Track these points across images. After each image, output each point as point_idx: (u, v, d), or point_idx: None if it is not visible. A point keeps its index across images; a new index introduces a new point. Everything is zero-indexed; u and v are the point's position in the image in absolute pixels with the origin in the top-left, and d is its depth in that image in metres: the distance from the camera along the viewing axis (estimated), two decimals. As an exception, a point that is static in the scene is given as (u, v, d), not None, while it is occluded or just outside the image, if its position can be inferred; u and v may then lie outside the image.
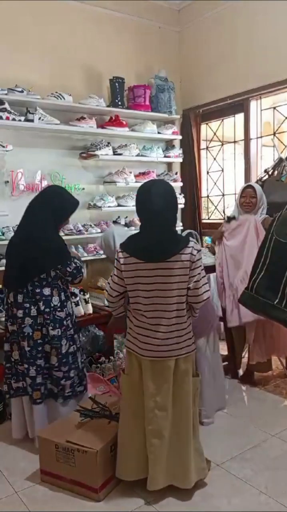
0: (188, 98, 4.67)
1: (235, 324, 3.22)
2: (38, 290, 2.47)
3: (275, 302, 2.73)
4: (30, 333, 2.48)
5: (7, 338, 2.59)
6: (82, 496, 2.18)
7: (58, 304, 2.54)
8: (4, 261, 2.68)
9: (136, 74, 4.37)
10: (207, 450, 2.29)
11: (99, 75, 4.13)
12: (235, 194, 4.27)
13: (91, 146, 3.93)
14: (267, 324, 3.15)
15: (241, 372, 3.52)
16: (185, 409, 2.14)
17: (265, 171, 3.84)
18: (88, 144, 3.97)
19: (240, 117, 4.35)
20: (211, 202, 4.89)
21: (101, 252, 3.89)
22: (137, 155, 4.20)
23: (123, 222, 4.14)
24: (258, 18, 3.93)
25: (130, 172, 4.14)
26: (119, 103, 4.06)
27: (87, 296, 3.40)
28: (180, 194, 4.53)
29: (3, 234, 3.41)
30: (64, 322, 2.55)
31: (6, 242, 2.77)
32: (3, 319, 2.82)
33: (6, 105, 3.37)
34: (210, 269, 3.25)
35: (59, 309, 2.53)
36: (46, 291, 2.49)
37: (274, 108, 4.13)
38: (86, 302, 3.36)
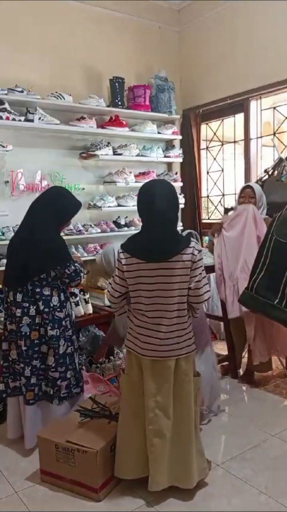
0: (188, 98, 4.68)
1: (236, 314, 3.19)
2: (38, 290, 2.47)
3: (275, 302, 2.73)
4: (28, 333, 2.47)
5: (6, 337, 2.59)
6: (82, 496, 2.18)
7: (58, 304, 2.53)
8: (4, 261, 2.68)
9: (136, 74, 4.37)
10: (207, 450, 2.29)
11: (99, 75, 4.13)
12: (235, 194, 4.28)
13: (91, 146, 3.93)
14: (266, 324, 3.15)
15: (241, 372, 3.52)
16: (186, 409, 2.13)
17: (265, 171, 3.85)
18: (88, 144, 3.98)
19: (240, 117, 4.35)
20: (211, 202, 4.89)
21: (101, 251, 3.91)
22: (137, 155, 4.20)
23: (123, 222, 4.14)
24: (258, 18, 3.93)
25: (130, 172, 4.14)
26: (119, 103, 4.06)
27: (87, 296, 3.40)
28: (180, 194, 4.54)
29: (3, 234, 3.41)
30: (63, 323, 2.55)
31: (6, 242, 2.77)
32: (2, 318, 2.81)
33: (6, 105, 3.37)
34: (210, 269, 3.24)
35: (58, 309, 2.53)
36: (46, 291, 2.49)
37: (274, 108, 4.14)
38: (86, 302, 3.36)
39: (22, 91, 3.45)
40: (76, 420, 2.39)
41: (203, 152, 4.84)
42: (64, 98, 3.64)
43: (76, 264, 2.58)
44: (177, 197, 2.17)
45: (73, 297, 3.22)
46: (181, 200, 4.52)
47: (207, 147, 4.84)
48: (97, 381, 3.08)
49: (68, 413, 2.57)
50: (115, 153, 4.05)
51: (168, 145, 4.63)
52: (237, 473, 2.33)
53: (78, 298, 3.27)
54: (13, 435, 2.64)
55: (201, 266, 2.10)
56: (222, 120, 4.59)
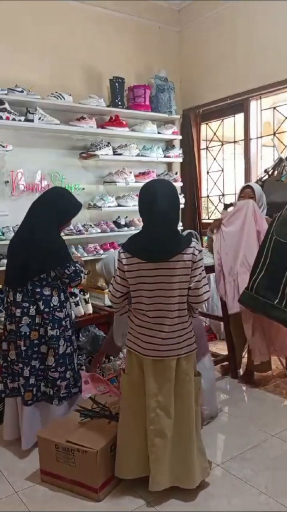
0: (188, 98, 4.68)
1: (237, 310, 3.17)
2: (38, 290, 2.47)
3: (275, 302, 2.73)
4: (27, 333, 2.47)
5: (5, 337, 2.59)
6: (82, 496, 2.18)
7: (58, 304, 2.53)
8: (4, 261, 2.68)
9: (136, 74, 4.37)
10: (207, 450, 2.29)
11: (99, 75, 4.13)
12: (235, 194, 4.28)
13: (91, 146, 3.93)
14: (265, 323, 3.15)
15: (241, 372, 3.52)
16: (187, 408, 2.14)
17: (265, 171, 3.85)
18: (88, 144, 3.98)
19: (240, 117, 4.35)
20: (211, 202, 4.89)
21: (101, 252, 3.91)
22: (137, 155, 4.20)
23: (123, 222, 4.14)
24: (258, 18, 3.93)
25: (130, 172, 4.14)
26: (119, 103, 4.06)
27: (87, 296, 3.40)
28: (180, 194, 4.54)
29: (3, 234, 3.41)
30: (63, 323, 2.55)
31: (6, 242, 2.77)
32: (2, 318, 2.81)
33: (6, 105, 3.37)
34: (210, 269, 3.24)
35: (58, 310, 2.53)
36: (46, 291, 2.49)
37: (274, 108, 4.14)
38: (86, 302, 3.36)
39: (22, 91, 3.45)
40: (76, 420, 2.39)
41: (203, 152, 4.84)
42: (64, 98, 3.64)
43: (76, 265, 2.58)
44: (178, 197, 2.17)
45: (73, 297, 3.22)
46: (181, 200, 4.52)
47: (207, 147, 4.84)
48: (97, 381, 3.08)
49: (67, 413, 2.57)
50: (115, 153, 4.05)
51: (168, 145, 4.63)
52: (237, 473, 2.33)
53: (78, 298, 3.27)
54: (10, 437, 2.62)
55: (202, 266, 2.10)
56: (222, 120, 4.59)
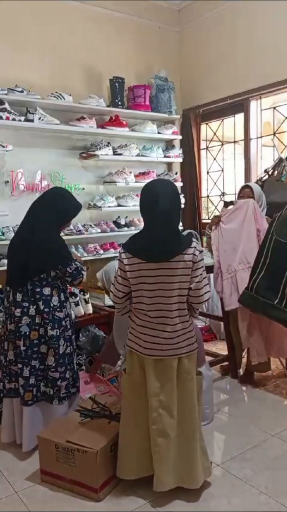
0: (188, 98, 4.68)
1: (234, 306, 3.17)
2: (38, 290, 2.47)
3: (275, 302, 2.73)
4: (27, 333, 2.47)
5: (6, 337, 2.58)
6: (82, 496, 2.18)
7: (58, 304, 2.53)
8: (4, 261, 2.68)
9: (136, 74, 4.37)
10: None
11: (99, 75, 4.13)
12: (235, 194, 4.28)
13: (91, 146, 3.93)
14: (263, 324, 3.15)
15: (241, 372, 3.52)
16: (190, 407, 2.14)
17: (265, 171, 3.85)
18: (88, 144, 3.98)
19: (240, 117, 4.35)
20: (211, 202, 4.89)
21: (101, 252, 3.91)
22: (137, 155, 4.20)
23: (123, 222, 4.14)
24: (258, 18, 3.93)
25: (130, 172, 4.14)
26: (119, 103, 4.06)
27: (87, 296, 3.40)
28: (180, 194, 4.53)
29: (3, 234, 3.41)
30: (63, 323, 2.55)
31: (6, 242, 2.77)
32: (2, 318, 2.81)
33: (6, 105, 3.37)
34: (210, 269, 3.24)
35: (58, 309, 2.53)
36: (46, 290, 2.49)
37: (274, 108, 4.14)
38: (86, 302, 3.36)
39: (22, 91, 3.45)
40: (76, 420, 2.39)
41: (203, 152, 4.84)
42: (64, 98, 3.64)
43: (77, 263, 2.58)
44: (179, 196, 2.18)
45: (73, 297, 3.22)
46: (182, 200, 4.52)
47: (207, 147, 4.84)
48: (98, 382, 3.08)
49: (67, 412, 2.57)
50: (115, 153, 4.05)
51: (168, 145, 4.63)
52: (237, 473, 2.33)
53: (78, 298, 3.27)
54: (6, 439, 2.60)
55: (202, 266, 2.10)
56: (222, 120, 4.59)
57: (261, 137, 4.27)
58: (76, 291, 3.29)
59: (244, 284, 3.00)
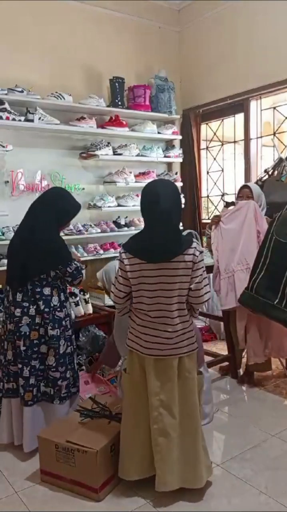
0: (188, 98, 4.68)
1: (230, 306, 3.18)
2: (38, 290, 2.47)
3: (275, 302, 2.73)
4: (27, 333, 2.47)
5: (5, 337, 2.58)
6: (82, 496, 2.18)
7: (58, 304, 2.53)
8: (4, 261, 2.68)
9: (136, 74, 4.37)
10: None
11: (99, 75, 4.13)
12: (235, 194, 4.27)
13: (91, 146, 3.93)
14: (263, 325, 3.15)
15: (241, 372, 3.52)
16: (191, 407, 2.14)
17: (265, 171, 3.84)
18: (88, 144, 3.98)
19: (240, 117, 4.35)
20: (211, 202, 4.89)
21: (101, 252, 3.91)
22: (137, 155, 4.20)
23: (123, 222, 4.14)
24: (258, 18, 3.93)
25: (130, 172, 4.14)
26: (119, 103, 4.06)
27: (87, 296, 3.40)
28: (180, 194, 4.54)
29: (3, 234, 3.41)
30: (63, 322, 2.55)
31: (6, 242, 2.77)
32: (2, 318, 2.81)
33: (6, 105, 3.38)
34: (210, 269, 3.24)
35: (58, 309, 2.53)
36: (46, 290, 2.49)
37: (274, 108, 4.14)
38: (86, 302, 3.36)
39: (22, 91, 3.45)
40: (76, 420, 2.39)
41: (203, 152, 4.84)
42: (64, 98, 3.65)
43: (76, 262, 2.58)
44: (180, 197, 2.18)
45: (73, 297, 3.22)
46: (182, 200, 4.51)
47: (207, 147, 4.84)
48: (98, 382, 3.09)
49: (68, 412, 2.57)
50: (115, 153, 4.05)
51: (168, 145, 4.63)
52: (237, 473, 2.33)
53: (78, 298, 3.27)
54: (4, 440, 2.58)
55: (202, 267, 2.11)
56: (222, 120, 4.59)
57: (261, 137, 4.27)
58: (76, 291, 3.29)
59: (241, 285, 3.01)
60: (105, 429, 2.30)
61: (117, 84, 4.04)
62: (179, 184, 4.57)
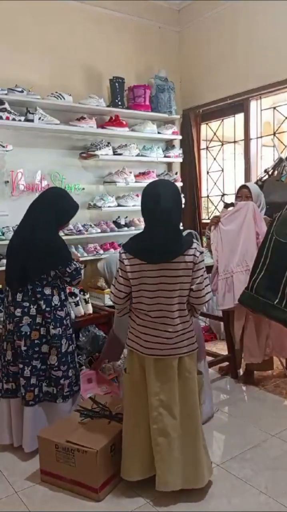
0: (188, 98, 4.68)
1: (228, 306, 3.19)
2: (39, 289, 2.47)
3: (275, 302, 2.73)
4: (28, 333, 2.46)
5: (5, 337, 2.57)
6: (82, 496, 2.18)
7: (59, 304, 2.53)
8: (4, 260, 2.67)
9: (136, 74, 4.37)
10: (207, 450, 2.30)
11: (99, 75, 4.13)
12: (235, 194, 4.28)
13: (91, 146, 3.93)
14: (262, 324, 3.16)
15: (241, 372, 3.52)
16: (191, 407, 2.14)
17: (265, 171, 3.85)
18: (88, 144, 3.98)
19: (240, 117, 4.35)
20: (211, 202, 4.89)
21: (101, 252, 3.91)
22: (137, 155, 4.20)
23: (123, 222, 4.14)
24: (258, 18, 3.93)
25: (130, 172, 4.14)
26: (119, 103, 4.06)
27: (87, 296, 3.39)
28: (181, 194, 4.54)
29: (3, 234, 3.41)
30: (64, 322, 2.55)
31: (6, 242, 2.77)
32: (2, 318, 2.81)
33: (6, 105, 3.38)
34: (210, 269, 3.24)
35: (59, 309, 2.53)
36: (47, 290, 2.49)
37: (274, 108, 4.14)
38: (86, 302, 3.36)
39: (22, 91, 3.45)
40: (76, 420, 2.39)
41: (203, 152, 4.85)
42: (64, 98, 3.65)
43: (75, 262, 2.58)
44: (180, 197, 2.18)
45: (73, 297, 3.22)
46: (182, 200, 4.51)
47: (207, 147, 4.84)
48: (101, 381, 3.07)
49: (71, 411, 2.57)
50: (115, 153, 4.05)
51: (168, 145, 4.63)
52: (237, 473, 2.33)
53: (78, 298, 3.27)
54: (7, 440, 2.57)
55: (203, 267, 2.11)
56: (222, 120, 4.59)
57: (261, 137, 4.27)
58: (76, 291, 3.29)
59: (241, 286, 3.01)
60: (105, 429, 2.30)
61: (117, 84, 4.04)
62: (179, 184, 4.58)
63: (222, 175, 4.71)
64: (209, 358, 3.45)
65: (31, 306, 2.47)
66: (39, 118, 3.54)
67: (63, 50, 3.89)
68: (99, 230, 3.95)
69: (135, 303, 2.15)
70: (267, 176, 3.80)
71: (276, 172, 3.75)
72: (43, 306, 2.47)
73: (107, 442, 2.21)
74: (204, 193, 4.89)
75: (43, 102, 3.58)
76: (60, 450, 2.22)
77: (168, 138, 4.53)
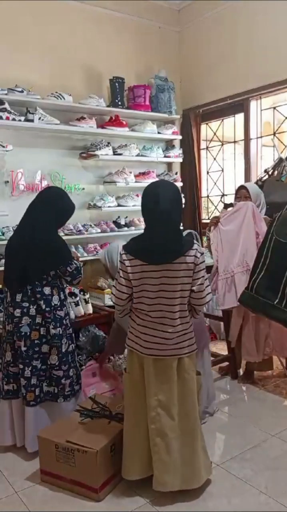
0: (188, 98, 4.68)
1: (227, 306, 3.21)
2: (38, 289, 2.47)
3: (275, 302, 2.73)
4: (28, 333, 2.46)
5: (5, 338, 2.57)
6: (82, 496, 2.18)
7: (58, 303, 2.53)
8: (3, 261, 2.67)
9: (136, 74, 4.37)
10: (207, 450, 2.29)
11: (99, 75, 4.13)
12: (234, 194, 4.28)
13: (91, 146, 3.93)
14: (261, 324, 3.16)
15: (241, 372, 3.52)
16: (190, 407, 2.14)
17: (265, 171, 3.84)
18: (88, 144, 3.98)
19: (240, 117, 4.35)
20: (211, 202, 4.89)
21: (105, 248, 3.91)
22: (137, 155, 4.20)
23: (123, 222, 4.14)
24: (258, 18, 3.93)
25: (130, 172, 4.14)
26: (119, 103, 4.06)
27: (87, 296, 3.39)
28: (181, 195, 4.53)
29: (3, 234, 3.41)
30: (64, 321, 2.56)
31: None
32: (1, 319, 2.80)
33: (6, 105, 3.37)
34: (210, 269, 3.25)
35: (59, 308, 2.53)
36: (47, 290, 2.49)
37: (274, 108, 4.14)
38: (86, 302, 3.36)
39: (22, 91, 3.45)
40: (76, 420, 2.39)
41: (203, 152, 4.84)
42: (64, 98, 3.64)
43: (75, 261, 2.58)
44: (181, 198, 2.19)
45: (73, 297, 3.22)
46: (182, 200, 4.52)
47: (207, 147, 4.84)
48: (106, 375, 3.04)
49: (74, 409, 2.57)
50: (115, 153, 4.05)
51: (168, 145, 4.63)
52: (237, 473, 2.33)
53: (78, 298, 3.27)
54: (10, 442, 2.56)
55: (204, 268, 2.12)
56: (222, 120, 4.59)
57: (261, 137, 4.27)
58: (76, 291, 3.29)
59: (241, 286, 3.01)
60: (105, 429, 2.31)
61: (117, 84, 4.04)
62: (179, 184, 4.57)
63: (222, 175, 4.71)
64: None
65: (31, 306, 2.47)
66: (39, 118, 3.54)
67: (63, 50, 3.89)
68: (99, 230, 3.94)
69: (136, 303, 2.15)
70: (267, 176, 3.79)
71: (276, 172, 3.75)
72: (43, 306, 2.47)
73: (107, 442, 2.21)
74: (204, 193, 4.89)
75: (43, 102, 3.58)
76: (60, 450, 2.22)
77: (168, 138, 4.53)
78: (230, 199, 4.55)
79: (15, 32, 3.62)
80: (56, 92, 3.63)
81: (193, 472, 2.13)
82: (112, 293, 2.22)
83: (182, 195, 4.55)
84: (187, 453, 2.14)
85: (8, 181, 3.57)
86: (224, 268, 3.23)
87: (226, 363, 3.58)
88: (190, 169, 4.70)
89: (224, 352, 3.66)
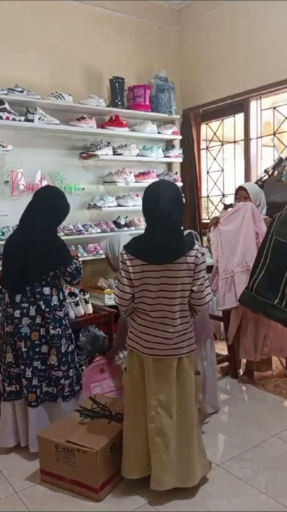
0: (188, 98, 4.68)
1: (228, 306, 3.22)
2: (38, 290, 2.46)
3: (275, 302, 2.73)
4: (28, 334, 2.46)
5: (4, 339, 2.56)
6: (82, 496, 2.18)
7: (58, 304, 2.53)
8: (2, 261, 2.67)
9: (136, 74, 4.37)
10: (207, 450, 2.29)
11: (99, 75, 4.13)
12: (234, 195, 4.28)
13: (91, 146, 3.93)
14: (260, 323, 3.16)
15: (241, 372, 3.52)
16: (189, 407, 2.14)
17: (265, 171, 3.84)
18: (88, 144, 3.98)
19: (240, 117, 4.35)
20: (211, 202, 4.89)
21: (101, 252, 3.91)
22: (137, 155, 4.20)
23: (123, 222, 4.14)
24: (258, 18, 3.93)
25: (130, 172, 4.14)
26: (119, 103, 4.06)
27: (87, 296, 3.39)
28: (182, 195, 4.53)
29: (3, 234, 3.41)
30: (63, 322, 2.56)
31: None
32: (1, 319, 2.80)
33: (6, 105, 3.37)
34: (210, 269, 3.25)
35: (58, 309, 2.53)
36: (46, 290, 2.49)
37: (274, 108, 4.14)
38: (86, 302, 3.36)
39: (22, 91, 3.45)
40: (76, 420, 2.39)
41: (203, 152, 4.84)
42: (64, 98, 3.64)
43: (75, 261, 2.58)
44: (181, 198, 2.19)
45: (73, 297, 3.22)
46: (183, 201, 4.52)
47: (207, 147, 4.84)
48: (114, 372, 3.00)
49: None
50: (115, 153, 4.05)
51: (168, 145, 4.63)
52: (237, 473, 2.33)
53: (78, 298, 3.27)
54: (13, 443, 2.56)
55: (204, 269, 2.12)
56: (222, 120, 4.59)
57: (261, 137, 4.26)
58: (76, 291, 3.29)
59: (241, 286, 3.01)
60: (105, 429, 2.31)
61: (117, 84, 4.04)
62: (179, 184, 4.57)
63: (222, 175, 4.71)
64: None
65: (30, 307, 2.47)
66: (39, 118, 3.54)
67: (63, 50, 3.89)
68: (99, 230, 3.94)
69: (136, 303, 2.15)
70: (267, 176, 3.80)
71: (276, 172, 3.75)
72: (43, 307, 2.46)
73: (107, 442, 2.21)
74: (204, 193, 4.89)
75: (43, 102, 3.58)
76: (60, 450, 2.22)
77: (168, 138, 4.53)
78: (230, 199, 4.55)
79: (15, 32, 3.62)
80: (56, 92, 3.63)
81: (188, 471, 2.14)
82: (114, 293, 2.22)
83: (182, 195, 4.56)
84: (183, 452, 2.14)
85: (8, 181, 3.57)
86: (224, 268, 3.23)
87: (226, 363, 3.58)
88: (190, 169, 4.70)
89: (224, 352, 3.66)
